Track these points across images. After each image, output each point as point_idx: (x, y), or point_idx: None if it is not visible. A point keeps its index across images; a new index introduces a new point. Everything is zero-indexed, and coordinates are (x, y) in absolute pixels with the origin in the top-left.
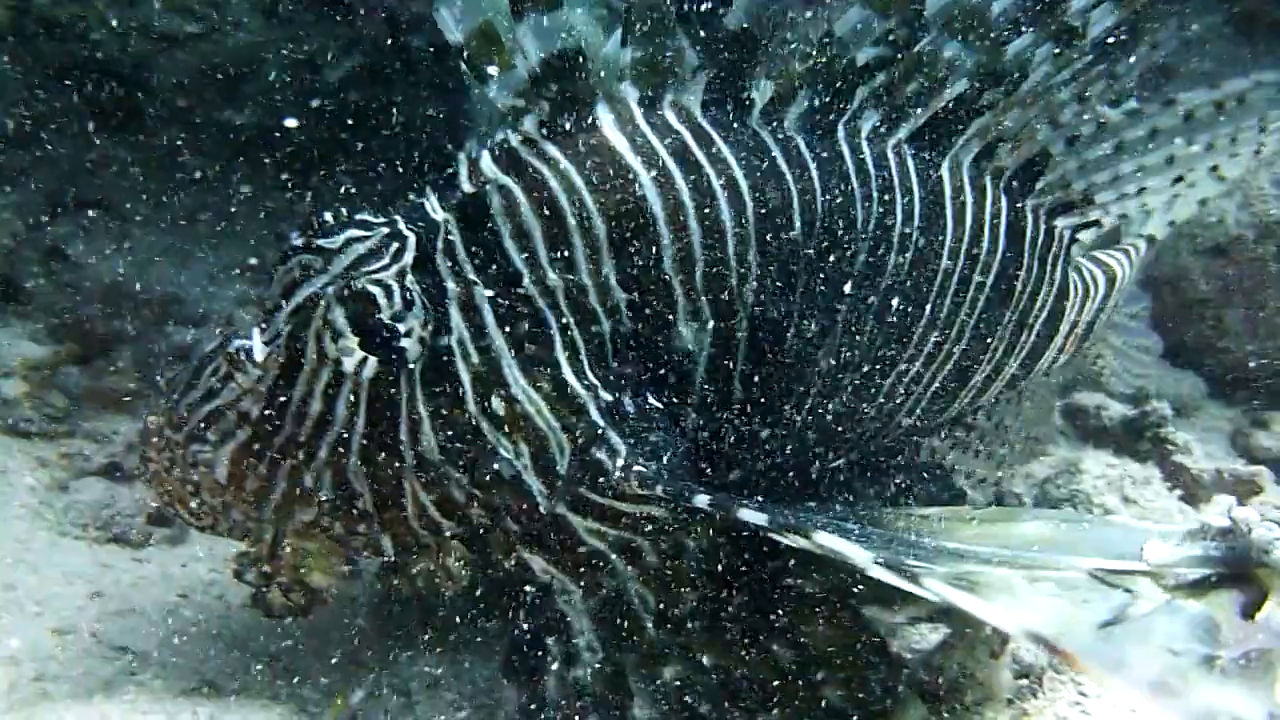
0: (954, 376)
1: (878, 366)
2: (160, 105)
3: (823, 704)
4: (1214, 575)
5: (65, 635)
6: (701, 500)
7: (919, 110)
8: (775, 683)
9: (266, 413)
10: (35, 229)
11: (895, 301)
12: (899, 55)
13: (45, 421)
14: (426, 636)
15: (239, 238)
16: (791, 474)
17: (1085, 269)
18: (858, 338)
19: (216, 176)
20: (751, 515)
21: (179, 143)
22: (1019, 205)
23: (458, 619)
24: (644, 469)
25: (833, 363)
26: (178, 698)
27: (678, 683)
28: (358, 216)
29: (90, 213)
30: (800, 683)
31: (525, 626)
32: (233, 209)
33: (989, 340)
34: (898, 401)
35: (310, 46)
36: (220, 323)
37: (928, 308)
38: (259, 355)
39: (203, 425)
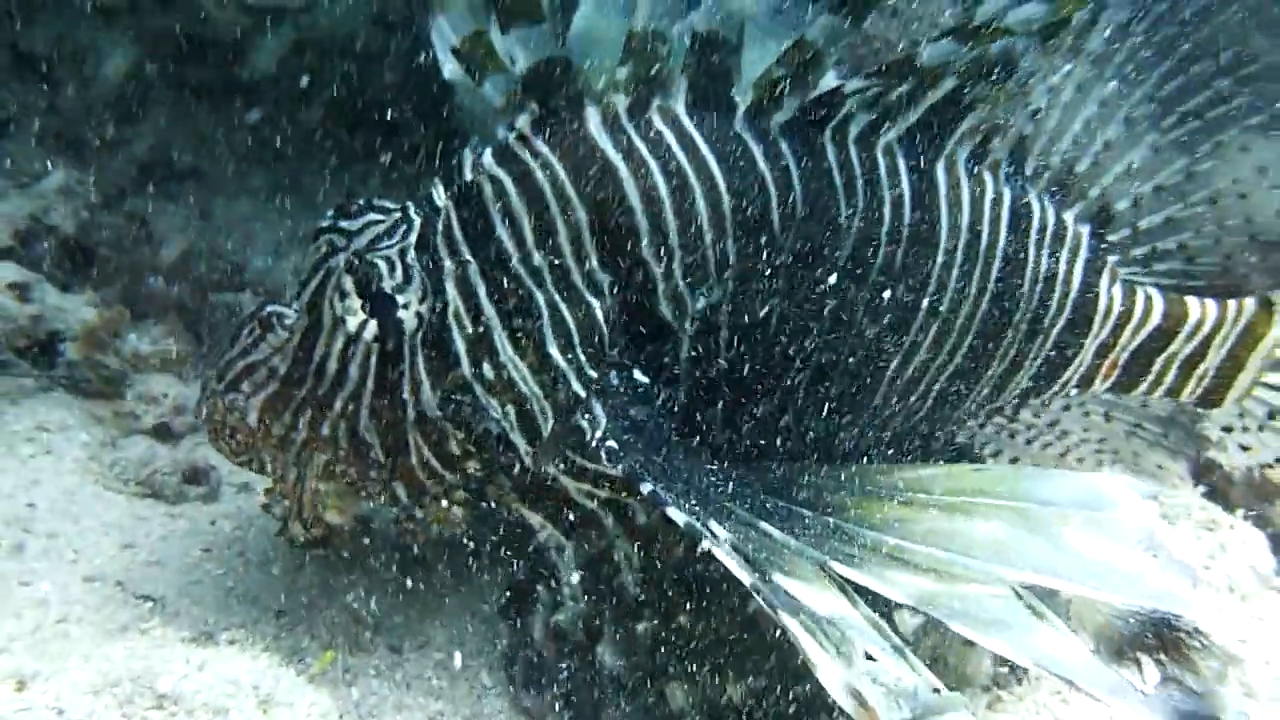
0: (963, 372)
1: (876, 354)
2: (256, 79)
3: (798, 663)
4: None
5: (93, 582)
6: (645, 488)
7: (908, 111)
8: (747, 642)
9: (291, 369)
10: (119, 198)
11: (886, 295)
12: (886, 67)
13: (101, 382)
14: (424, 597)
15: (312, 211)
16: (785, 449)
17: (1139, 290)
18: (849, 326)
19: (301, 151)
20: (676, 515)
21: (269, 117)
22: (1023, 199)
23: (454, 581)
24: (613, 444)
25: (823, 348)
26: (176, 645)
27: (649, 638)
28: (377, 203)
29: (175, 184)
30: (775, 642)
31: (522, 573)
32: (311, 183)
33: (999, 338)
34: (901, 390)
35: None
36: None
37: (925, 302)
38: (289, 319)
39: (239, 377)
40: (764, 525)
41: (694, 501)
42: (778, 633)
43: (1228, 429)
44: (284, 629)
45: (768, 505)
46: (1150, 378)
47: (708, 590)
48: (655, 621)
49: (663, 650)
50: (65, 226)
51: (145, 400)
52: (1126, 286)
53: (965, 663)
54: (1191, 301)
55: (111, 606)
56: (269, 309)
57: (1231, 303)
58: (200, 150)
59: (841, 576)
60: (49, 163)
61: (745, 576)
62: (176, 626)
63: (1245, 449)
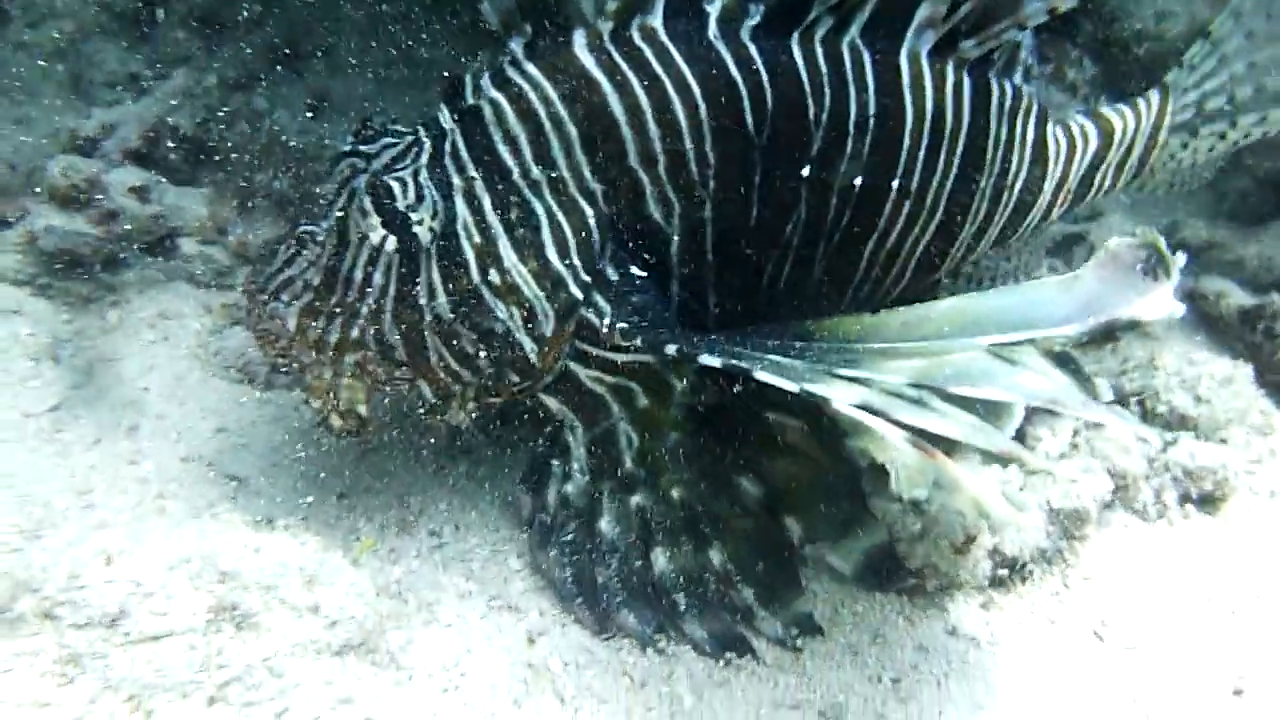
0: (939, 238)
1: (853, 234)
2: None
3: (782, 532)
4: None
5: (189, 462)
6: (670, 348)
7: (863, 7)
8: (735, 513)
9: (323, 280)
10: (247, 83)
11: (860, 179)
12: None
13: (212, 274)
14: (465, 486)
15: (421, 88)
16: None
17: (1074, 124)
18: (825, 211)
19: (422, 27)
20: (708, 359)
21: None
22: (982, 81)
23: (490, 470)
24: (625, 324)
25: (803, 233)
26: (240, 528)
27: (642, 509)
28: (391, 127)
29: (300, 63)
30: (762, 513)
31: (541, 450)
32: (425, 57)
33: (969, 203)
34: (883, 262)
35: None
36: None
37: (895, 181)
38: (320, 236)
39: (279, 289)
40: (773, 357)
41: (715, 351)
42: (753, 504)
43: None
44: (344, 510)
45: (768, 345)
46: (1094, 187)
47: (697, 467)
48: (647, 494)
49: (652, 521)
50: (186, 126)
51: (256, 259)
52: (1064, 126)
53: (957, 568)
54: (1113, 115)
55: (202, 485)
56: (302, 228)
57: (1140, 100)
58: (328, 28)
59: (849, 376)
60: (193, 47)
61: (790, 385)
62: (245, 511)
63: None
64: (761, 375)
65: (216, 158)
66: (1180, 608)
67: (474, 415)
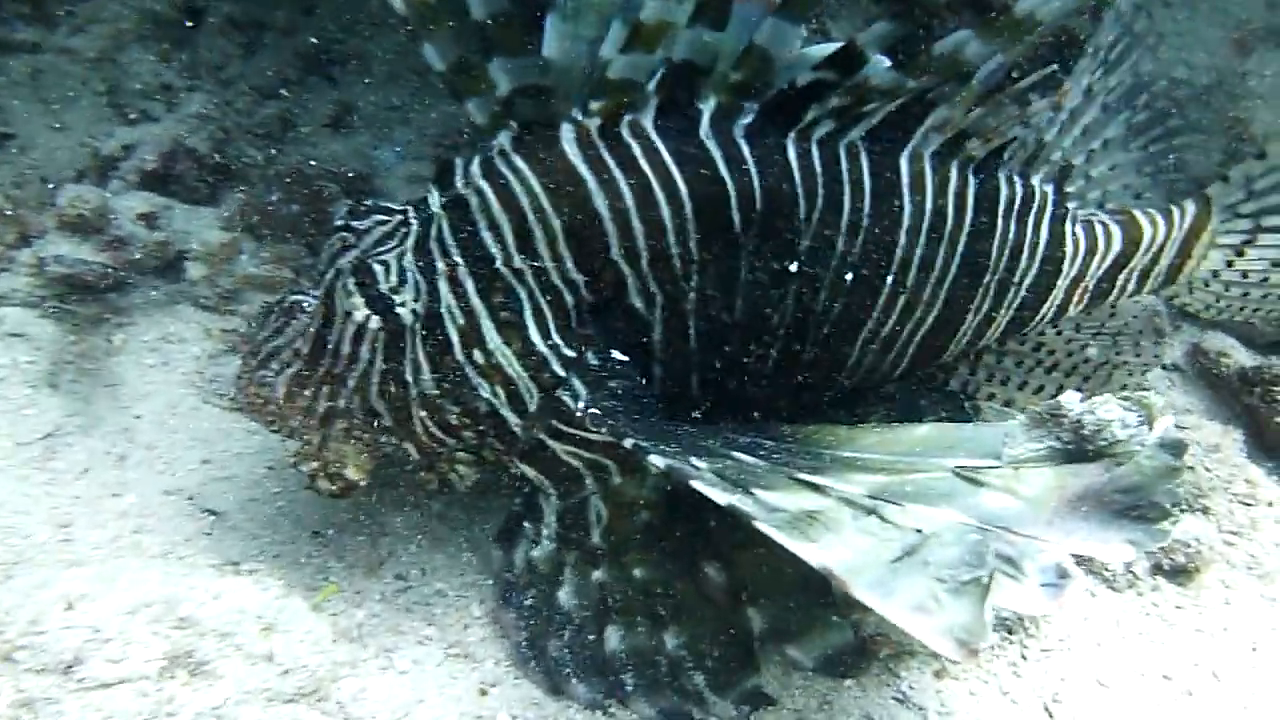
0: (936, 330)
1: (845, 326)
2: None
3: (743, 622)
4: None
5: (170, 495)
6: (628, 442)
7: (868, 116)
8: (696, 599)
9: (312, 350)
10: (271, 98)
11: (849, 274)
12: (842, 80)
13: (216, 298)
14: (435, 530)
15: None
16: (763, 409)
17: (1098, 224)
18: (814, 304)
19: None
20: (656, 460)
21: None
22: (989, 181)
23: (462, 518)
24: (597, 410)
25: (790, 323)
26: (204, 571)
27: (602, 584)
28: (383, 205)
29: (333, 70)
30: (725, 601)
31: (517, 511)
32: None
33: (970, 297)
34: (877, 351)
35: None
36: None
37: (889, 278)
38: (309, 306)
39: (269, 356)
40: (736, 455)
41: (673, 447)
42: (716, 591)
43: (1172, 297)
44: (317, 548)
45: (738, 442)
46: (1115, 290)
47: (664, 548)
48: (610, 570)
49: (611, 597)
50: (203, 148)
51: (247, 318)
52: (1087, 225)
53: (910, 637)
54: (1143, 220)
55: (180, 519)
56: (291, 298)
57: (1174, 210)
58: (360, 36)
59: (809, 482)
60: (230, 54)
61: (724, 498)
62: (217, 548)
63: (1186, 305)
64: (697, 485)
65: (234, 180)
66: (1136, 685)
67: (475, 479)
